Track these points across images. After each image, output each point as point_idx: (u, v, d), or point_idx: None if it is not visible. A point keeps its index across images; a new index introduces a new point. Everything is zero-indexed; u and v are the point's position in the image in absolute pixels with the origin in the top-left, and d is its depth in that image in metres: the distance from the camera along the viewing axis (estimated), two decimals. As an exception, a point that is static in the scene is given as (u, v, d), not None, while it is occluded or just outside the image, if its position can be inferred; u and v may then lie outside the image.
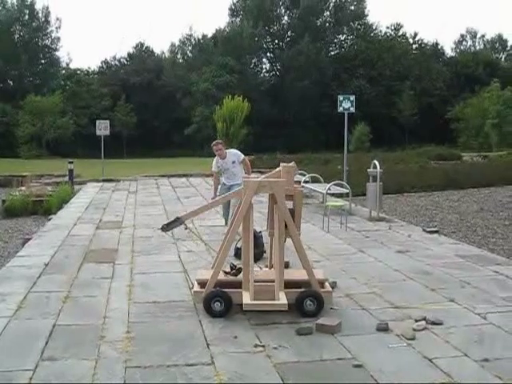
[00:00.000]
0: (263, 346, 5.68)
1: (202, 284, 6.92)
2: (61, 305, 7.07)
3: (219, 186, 12.09)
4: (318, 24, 79.57)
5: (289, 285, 6.69)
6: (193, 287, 7.18)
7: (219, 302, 6.54)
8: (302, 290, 6.69)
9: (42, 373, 5.14)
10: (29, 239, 12.01)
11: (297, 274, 7.20)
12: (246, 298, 6.39)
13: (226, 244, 6.98)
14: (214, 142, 12.13)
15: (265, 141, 59.15)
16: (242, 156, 11.91)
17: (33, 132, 60.57)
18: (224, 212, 11.99)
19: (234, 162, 11.69)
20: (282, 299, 6.35)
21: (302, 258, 6.84)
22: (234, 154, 11.98)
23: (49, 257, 9.81)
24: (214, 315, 6.51)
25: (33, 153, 56.18)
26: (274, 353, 5.52)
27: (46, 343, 5.79)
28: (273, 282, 6.54)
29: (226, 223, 11.92)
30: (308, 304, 6.52)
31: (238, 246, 8.49)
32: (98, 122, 29.98)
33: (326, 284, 7.07)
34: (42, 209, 18.16)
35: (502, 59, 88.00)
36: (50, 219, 14.87)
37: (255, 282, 6.53)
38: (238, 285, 6.70)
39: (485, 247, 11.17)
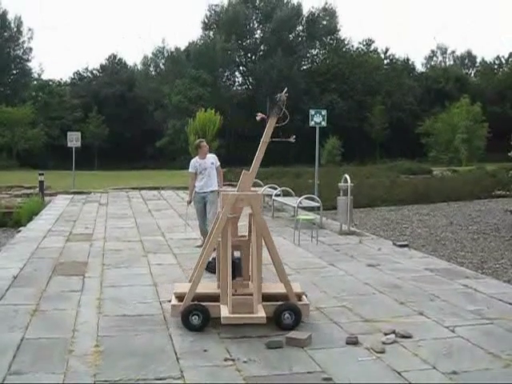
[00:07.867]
0: (233, 360, 5.67)
1: (180, 297, 6.85)
2: (29, 318, 6.98)
3: (194, 194, 12.00)
4: (291, 38, 79.82)
5: (267, 298, 6.70)
6: (170, 301, 7.11)
7: (197, 315, 6.50)
8: (280, 303, 6.68)
9: (9, 387, 5.08)
10: (-3, 251, 11.86)
11: (274, 287, 7.19)
12: (225, 312, 6.35)
13: (204, 257, 6.93)
14: (198, 140, 12.40)
15: (237, 154, 59.05)
16: (219, 163, 11.95)
17: (3, 143, 60.00)
18: (200, 221, 11.86)
19: (212, 164, 11.67)
20: (261, 312, 6.33)
21: (280, 270, 6.83)
22: (213, 156, 12.01)
23: (17, 269, 9.69)
24: (191, 329, 6.47)
25: (3, 164, 55.40)
26: (244, 366, 5.52)
27: (14, 357, 5.72)
28: (250, 295, 6.52)
29: (202, 233, 11.83)
30: (286, 317, 6.53)
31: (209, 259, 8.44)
32: (69, 133, 29.91)
33: (304, 297, 7.08)
34: (12, 221, 17.96)
35: (472, 75, 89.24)
36: (19, 231, 14.70)
37: (233, 295, 6.48)
38: (216, 298, 6.67)
39: (454, 261, 11.27)
